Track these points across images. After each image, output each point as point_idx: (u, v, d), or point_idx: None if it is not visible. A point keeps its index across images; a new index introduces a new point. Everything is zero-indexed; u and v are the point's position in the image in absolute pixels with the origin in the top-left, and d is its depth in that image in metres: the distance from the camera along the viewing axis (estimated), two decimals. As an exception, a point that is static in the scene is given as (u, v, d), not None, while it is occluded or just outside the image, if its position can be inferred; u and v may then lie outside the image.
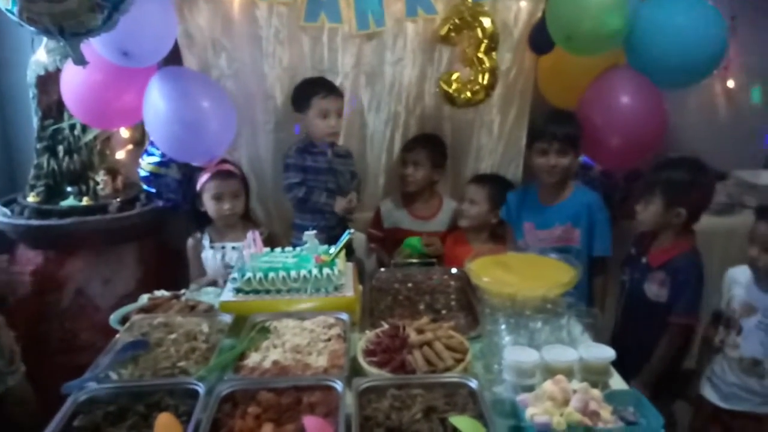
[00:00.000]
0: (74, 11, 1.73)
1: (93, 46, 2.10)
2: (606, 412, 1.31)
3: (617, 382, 1.52)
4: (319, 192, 2.52)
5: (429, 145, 2.65)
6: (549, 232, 2.42)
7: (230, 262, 2.36)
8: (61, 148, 2.59)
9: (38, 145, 2.60)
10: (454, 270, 2.15)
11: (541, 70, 2.75)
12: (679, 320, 2.11)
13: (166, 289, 2.08)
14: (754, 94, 3.22)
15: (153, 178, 2.58)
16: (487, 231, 2.60)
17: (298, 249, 2.04)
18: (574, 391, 1.33)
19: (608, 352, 1.49)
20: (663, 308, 2.14)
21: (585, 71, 2.54)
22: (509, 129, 2.79)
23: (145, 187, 2.63)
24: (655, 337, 2.15)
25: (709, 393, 2.07)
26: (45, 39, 2.53)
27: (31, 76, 2.57)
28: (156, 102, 2.29)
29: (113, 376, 1.50)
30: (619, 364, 1.54)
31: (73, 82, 2.34)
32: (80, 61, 1.88)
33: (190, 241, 2.50)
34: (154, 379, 1.48)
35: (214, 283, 2.30)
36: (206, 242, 2.46)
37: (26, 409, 2.06)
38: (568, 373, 1.42)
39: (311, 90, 2.47)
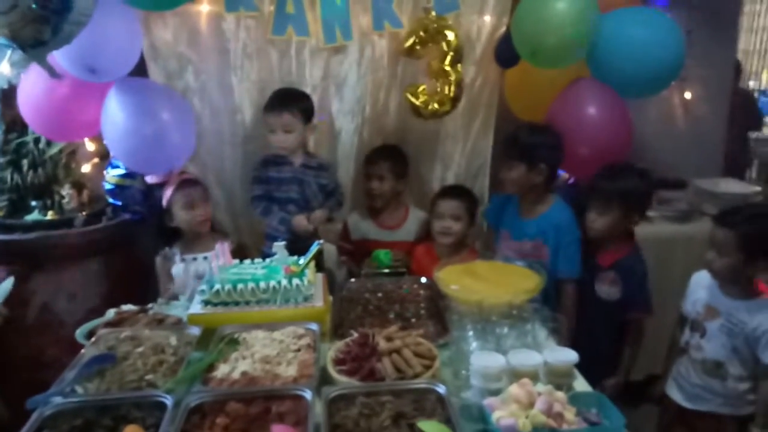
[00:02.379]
0: (18, 22, 1.72)
1: (57, 61, 2.09)
2: (570, 414, 1.34)
3: (581, 384, 1.55)
4: (279, 207, 2.52)
5: (391, 157, 2.68)
6: (520, 244, 2.43)
7: (203, 273, 2.35)
8: (25, 162, 2.55)
9: (2, 159, 2.56)
10: (423, 279, 2.16)
11: (507, 84, 2.81)
12: (638, 315, 2.28)
13: (134, 304, 2.06)
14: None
15: (118, 190, 2.57)
16: (458, 242, 2.60)
17: (267, 260, 2.04)
18: (539, 394, 1.36)
19: (571, 355, 1.52)
20: (614, 306, 2.27)
21: (550, 84, 2.60)
22: (474, 140, 2.85)
23: (110, 199, 2.61)
24: (609, 334, 2.28)
25: (674, 393, 2.13)
26: (9, 52, 2.51)
27: (-6, 90, 2.54)
28: (114, 114, 2.26)
29: (79, 390, 1.48)
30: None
31: (29, 94, 2.31)
32: (52, 74, 1.87)
33: (158, 259, 2.47)
34: (121, 392, 1.46)
35: (176, 297, 2.29)
36: (176, 257, 2.43)
37: None
38: (534, 377, 1.45)
39: (266, 104, 2.48)
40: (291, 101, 2.46)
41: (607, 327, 2.29)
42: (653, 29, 2.34)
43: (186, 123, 2.41)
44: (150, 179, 2.46)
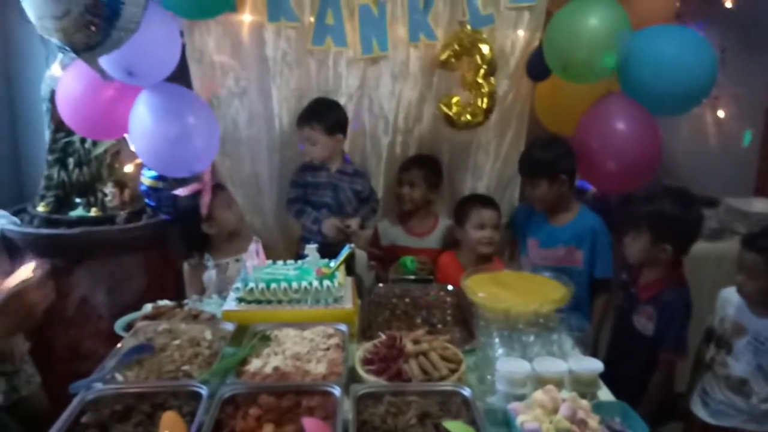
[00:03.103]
0: (71, 27, 1.82)
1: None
2: (593, 422, 1.36)
3: (605, 394, 1.57)
4: (310, 211, 2.60)
5: (425, 166, 2.73)
6: (552, 251, 2.48)
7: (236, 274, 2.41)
8: (71, 161, 2.66)
9: (49, 157, 2.67)
10: (450, 287, 2.20)
11: (537, 97, 2.84)
12: (670, 356, 2.12)
13: (169, 300, 2.13)
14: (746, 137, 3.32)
15: (151, 191, 2.67)
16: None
17: (299, 262, 2.10)
18: (564, 400, 1.38)
19: (596, 365, 1.54)
20: (648, 341, 2.16)
21: (580, 99, 2.61)
22: (506, 151, 2.88)
23: (146, 200, 2.71)
24: (639, 367, 2.16)
25: (698, 409, 2.12)
26: (60, 55, 2.62)
27: (45, 91, 2.65)
28: (142, 116, 2.33)
29: (119, 377, 1.55)
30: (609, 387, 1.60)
31: (67, 94, 2.39)
32: (104, 76, 1.96)
33: (186, 266, 2.53)
34: (159, 381, 1.53)
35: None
36: (209, 263, 2.49)
37: (40, 421, 2.09)
38: (558, 384, 1.47)
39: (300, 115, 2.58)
40: (313, 116, 2.54)
41: (641, 360, 2.17)
42: (684, 47, 2.34)
43: (209, 129, 2.45)
44: (181, 192, 2.50)
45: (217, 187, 2.51)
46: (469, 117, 2.62)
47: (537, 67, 2.60)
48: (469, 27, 2.59)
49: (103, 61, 2.12)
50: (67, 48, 1.91)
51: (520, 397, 1.45)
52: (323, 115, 2.54)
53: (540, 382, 1.49)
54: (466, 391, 1.47)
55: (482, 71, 2.58)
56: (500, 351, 1.63)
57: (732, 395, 2.01)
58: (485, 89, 2.58)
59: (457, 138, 2.83)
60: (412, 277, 2.42)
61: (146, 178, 2.68)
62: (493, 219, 2.54)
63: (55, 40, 1.90)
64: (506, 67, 2.73)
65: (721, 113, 3.36)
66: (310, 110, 2.56)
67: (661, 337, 2.12)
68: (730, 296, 2.09)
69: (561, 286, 1.94)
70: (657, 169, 2.59)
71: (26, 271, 1.41)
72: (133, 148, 2.51)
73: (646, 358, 2.16)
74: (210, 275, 2.46)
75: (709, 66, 2.33)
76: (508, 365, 1.51)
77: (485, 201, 2.62)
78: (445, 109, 2.65)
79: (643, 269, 2.24)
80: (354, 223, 2.59)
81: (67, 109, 2.41)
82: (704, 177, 3.31)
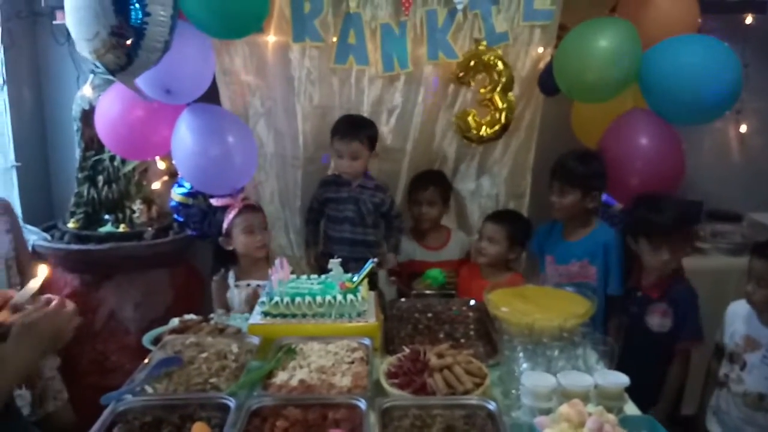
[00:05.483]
0: (101, 49, 1.88)
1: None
2: (620, 436, 1.36)
3: (631, 409, 1.56)
4: (335, 225, 2.65)
5: (440, 183, 2.77)
6: (567, 267, 2.48)
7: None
8: (101, 178, 2.74)
9: (79, 175, 2.75)
10: (472, 302, 2.20)
11: (574, 112, 2.84)
12: (688, 346, 2.17)
13: (195, 314, 2.15)
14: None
15: (181, 208, 2.73)
16: (503, 265, 2.65)
17: (323, 276, 2.12)
18: (590, 414, 1.38)
19: (623, 379, 1.54)
20: (668, 337, 2.19)
21: (613, 113, 2.59)
22: (514, 163, 2.87)
23: (174, 216, 2.77)
24: (660, 366, 2.19)
25: (715, 427, 2.08)
26: (91, 75, 2.71)
27: (76, 110, 2.74)
28: (184, 136, 2.40)
29: (149, 389, 1.57)
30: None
31: (105, 115, 2.47)
32: (143, 96, 2.01)
33: (213, 284, 2.54)
34: (188, 393, 1.55)
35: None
36: (231, 281, 2.49)
37: None
38: (584, 398, 1.46)
39: (334, 129, 2.60)
40: (360, 130, 2.57)
41: (658, 359, 2.21)
42: (708, 55, 2.32)
43: (248, 147, 2.53)
44: (216, 202, 2.55)
45: (247, 209, 2.48)
46: (486, 131, 2.65)
47: (549, 82, 2.62)
48: (485, 44, 2.63)
49: (142, 80, 2.19)
50: (99, 67, 1.98)
51: (546, 411, 1.44)
52: (368, 130, 2.60)
53: (565, 396, 1.48)
54: (492, 405, 1.47)
55: (499, 87, 2.61)
56: (524, 365, 1.63)
57: (750, 411, 1.97)
58: (501, 105, 2.60)
59: (466, 151, 2.86)
60: (435, 292, 2.42)
61: (177, 194, 2.72)
62: (488, 231, 2.58)
63: (93, 61, 1.97)
64: (518, 78, 2.73)
65: (743, 128, 3.35)
66: (355, 123, 2.60)
67: (682, 329, 2.17)
68: (739, 310, 2.07)
69: (584, 300, 1.93)
70: (680, 183, 2.57)
71: (37, 281, 1.44)
72: (160, 166, 2.58)
73: (663, 355, 2.19)
74: (232, 293, 2.49)
75: (733, 72, 2.30)
76: (533, 379, 1.51)
77: (493, 215, 2.68)
78: (461, 124, 2.69)
79: (642, 271, 2.30)
80: (392, 257, 2.66)
81: (104, 130, 2.49)
82: (728, 192, 3.29)
